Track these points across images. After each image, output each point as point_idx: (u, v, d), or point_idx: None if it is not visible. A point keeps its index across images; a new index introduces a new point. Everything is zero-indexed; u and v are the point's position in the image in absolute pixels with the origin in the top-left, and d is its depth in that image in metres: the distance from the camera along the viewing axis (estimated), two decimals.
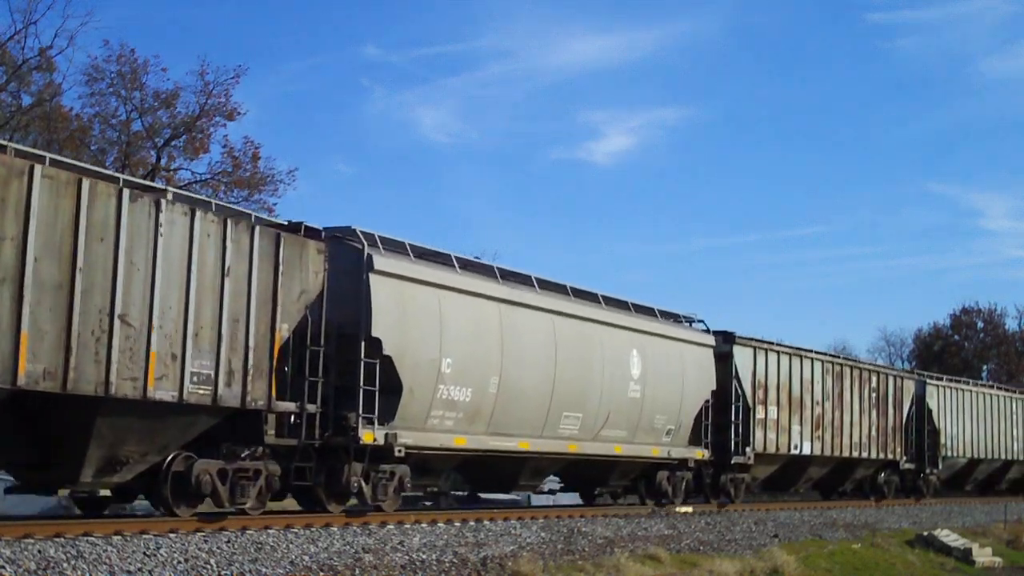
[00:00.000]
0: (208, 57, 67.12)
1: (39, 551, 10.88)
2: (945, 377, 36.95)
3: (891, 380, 32.19)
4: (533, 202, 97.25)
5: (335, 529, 14.83)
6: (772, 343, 26.81)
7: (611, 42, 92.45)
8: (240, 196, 34.82)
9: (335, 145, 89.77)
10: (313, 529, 14.55)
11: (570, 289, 20.84)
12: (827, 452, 28.36)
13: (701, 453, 24.05)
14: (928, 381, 34.60)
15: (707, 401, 24.07)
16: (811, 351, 28.51)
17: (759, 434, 25.48)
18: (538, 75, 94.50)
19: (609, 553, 16.46)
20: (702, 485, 25.12)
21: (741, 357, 25.19)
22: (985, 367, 68.49)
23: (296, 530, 14.28)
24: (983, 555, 24.84)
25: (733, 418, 24.82)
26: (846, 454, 29.30)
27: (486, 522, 17.57)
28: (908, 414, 32.79)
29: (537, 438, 19.32)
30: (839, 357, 31.15)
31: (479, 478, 20.39)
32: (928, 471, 34.07)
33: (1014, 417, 39.33)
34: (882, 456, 31.29)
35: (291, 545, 13.30)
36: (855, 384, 29.99)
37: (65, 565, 10.62)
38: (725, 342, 24.97)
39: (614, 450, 21.38)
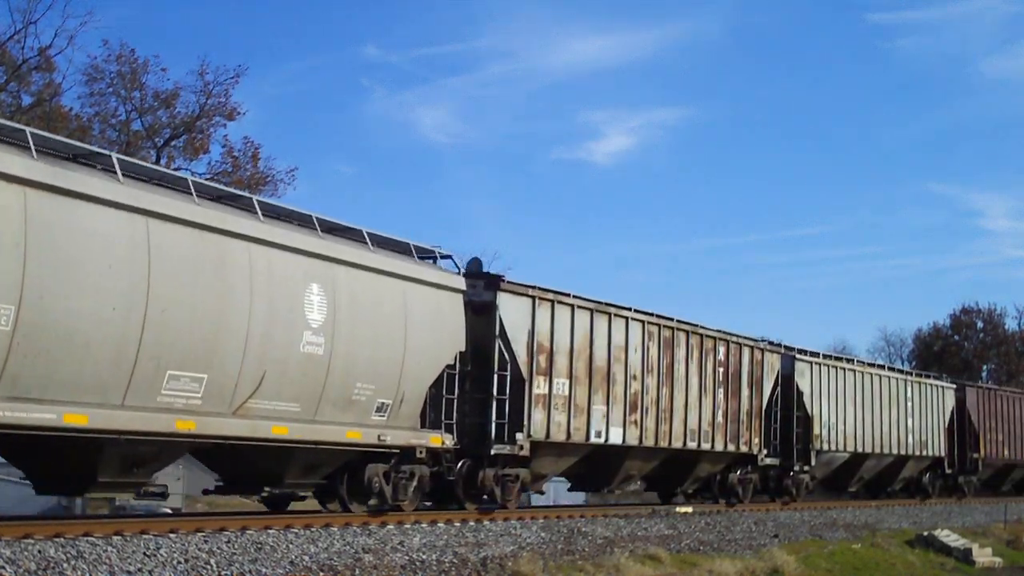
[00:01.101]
0: (208, 57, 67.29)
1: (39, 551, 10.87)
2: (821, 353, 30.05)
3: (746, 352, 25.55)
4: (533, 202, 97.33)
5: (335, 529, 14.82)
6: (564, 294, 20.02)
7: (611, 42, 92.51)
8: None
9: (335, 145, 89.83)
10: (313, 529, 14.54)
11: (194, 185, 13.90)
12: (649, 442, 21.95)
13: (438, 439, 17.20)
14: (798, 356, 28.01)
15: (450, 366, 17.44)
16: (627, 308, 21.57)
17: (538, 416, 18.95)
18: (538, 75, 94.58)
19: (609, 553, 16.47)
20: (447, 484, 18.14)
21: (511, 309, 18.63)
22: (985, 367, 68.50)
23: (296, 530, 14.27)
24: (983, 555, 24.84)
25: (496, 392, 18.33)
26: (678, 445, 22.90)
27: (486, 522, 17.56)
28: (771, 397, 26.67)
29: (109, 409, 12.20)
30: (672, 320, 23.05)
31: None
32: (798, 468, 27.84)
33: (909, 403, 32.85)
34: (732, 448, 24.98)
35: (291, 545, 13.29)
36: (694, 354, 23.56)
37: (65, 565, 10.61)
38: (487, 288, 18.46)
39: (272, 431, 14.26)
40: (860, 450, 30.28)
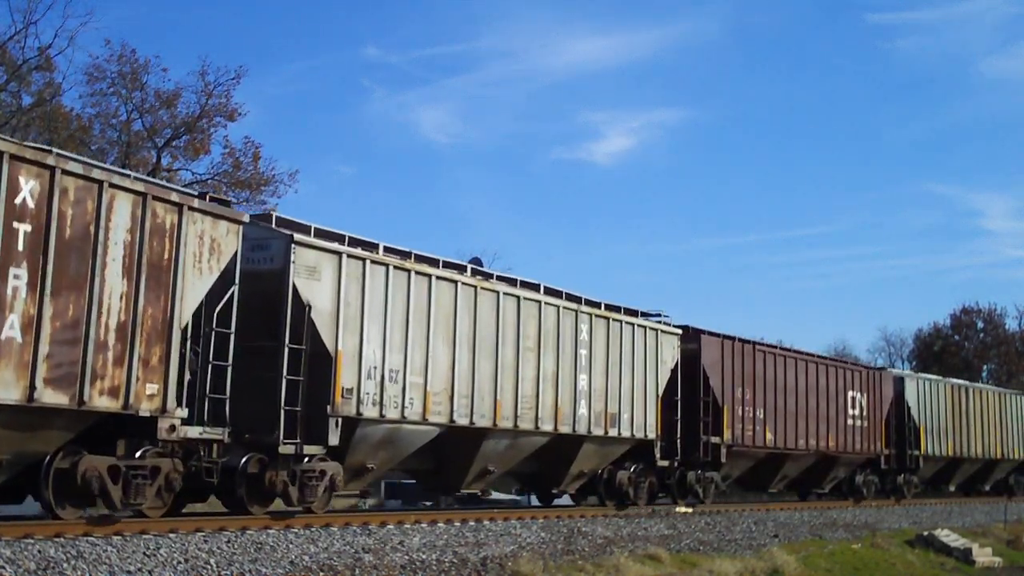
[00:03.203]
0: (209, 57, 67.48)
1: (39, 551, 10.88)
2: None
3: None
4: (533, 202, 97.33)
5: (335, 529, 14.84)
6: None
7: (611, 43, 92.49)
8: (241, 197, 34.88)
9: (335, 145, 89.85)
10: (313, 529, 14.55)
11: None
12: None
13: None
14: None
15: None
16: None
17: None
18: (538, 76, 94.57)
19: (609, 553, 16.47)
20: None
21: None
22: (985, 367, 68.48)
23: (296, 530, 14.28)
24: (983, 555, 24.84)
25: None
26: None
27: (486, 522, 17.57)
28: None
29: None
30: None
31: None
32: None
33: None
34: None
35: (291, 545, 13.30)
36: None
37: (65, 565, 10.62)
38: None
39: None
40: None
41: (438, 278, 17.30)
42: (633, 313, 22.39)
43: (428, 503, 25.00)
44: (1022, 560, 26.44)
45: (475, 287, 18.11)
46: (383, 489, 27.62)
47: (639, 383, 22.19)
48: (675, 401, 23.54)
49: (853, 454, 30.13)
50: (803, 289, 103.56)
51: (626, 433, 21.66)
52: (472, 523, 17.31)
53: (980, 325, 70.14)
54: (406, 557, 13.79)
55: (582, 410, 20.35)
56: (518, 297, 19.05)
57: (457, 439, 17.99)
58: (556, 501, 22.88)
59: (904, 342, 74.62)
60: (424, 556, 14.02)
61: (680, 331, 23.74)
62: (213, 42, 76.65)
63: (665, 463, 23.18)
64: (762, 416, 26.08)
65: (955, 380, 38.47)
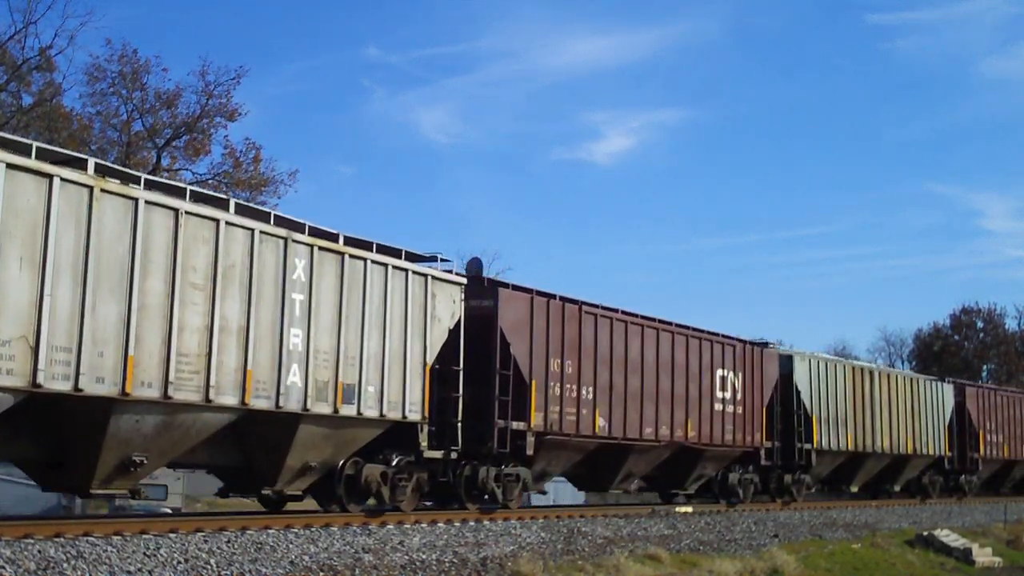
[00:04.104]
0: (209, 57, 67.46)
1: (39, 551, 10.89)
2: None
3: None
4: (533, 203, 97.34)
5: (335, 529, 14.84)
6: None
7: (611, 43, 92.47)
8: (241, 197, 34.87)
9: (336, 146, 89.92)
10: (313, 529, 14.55)
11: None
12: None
13: None
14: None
15: None
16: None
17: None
18: (538, 76, 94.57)
19: (609, 553, 16.47)
20: None
21: None
22: (985, 367, 68.50)
23: (296, 530, 14.28)
24: (983, 555, 24.84)
25: None
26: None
27: (486, 522, 17.57)
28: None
29: None
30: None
31: None
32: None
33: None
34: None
35: (291, 545, 13.30)
36: None
37: (65, 565, 10.63)
38: None
39: None
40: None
41: (11, 167, 11.27)
42: (391, 252, 16.45)
43: (429, 503, 24.96)
44: (1022, 560, 26.44)
45: (92, 188, 12.04)
46: None
47: (395, 347, 16.13)
48: (454, 373, 17.37)
49: (724, 447, 24.14)
50: (803, 289, 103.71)
51: (370, 412, 15.62)
52: (472, 523, 17.30)
53: (980, 325, 70.22)
54: (406, 557, 13.79)
55: (293, 378, 14.54)
56: (176, 211, 12.98)
57: (72, 411, 12.28)
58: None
59: (904, 342, 74.80)
60: (424, 556, 14.02)
61: (464, 280, 17.80)
62: (213, 42, 76.81)
63: (437, 454, 17.12)
64: (591, 397, 20.08)
65: (858, 361, 32.72)
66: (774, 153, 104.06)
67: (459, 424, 17.48)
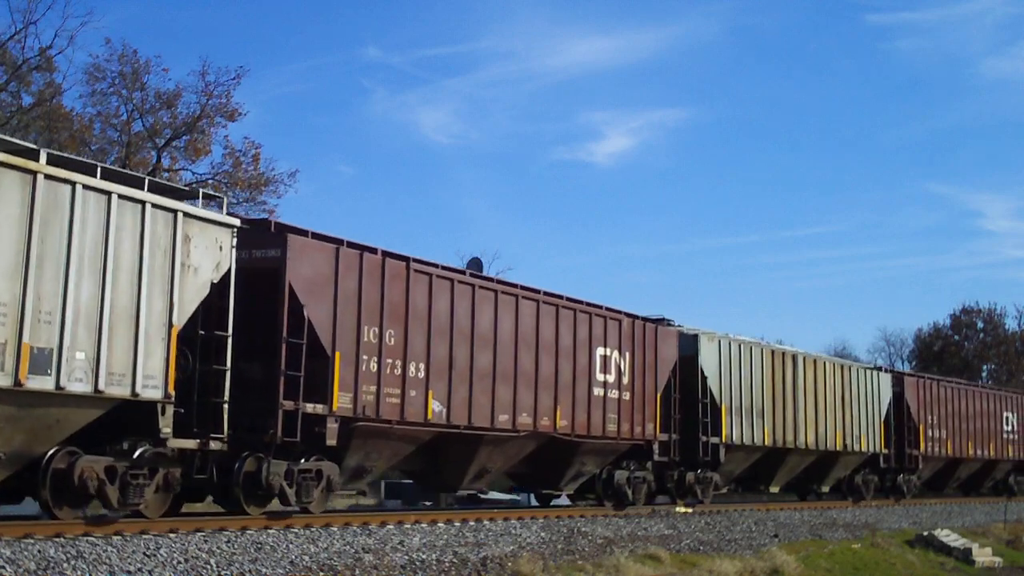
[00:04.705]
0: (209, 57, 67.48)
1: (39, 551, 10.89)
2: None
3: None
4: (534, 203, 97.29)
5: (335, 529, 14.84)
6: None
7: (611, 43, 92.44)
8: (241, 197, 34.90)
9: (336, 146, 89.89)
10: (313, 529, 14.55)
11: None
12: None
13: None
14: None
15: None
16: None
17: None
18: (539, 76, 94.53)
19: (609, 553, 16.47)
20: None
21: None
22: (985, 367, 68.49)
23: (296, 530, 14.28)
24: (983, 555, 24.84)
25: None
26: None
27: (486, 522, 17.57)
28: None
29: None
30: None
31: None
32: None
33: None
34: None
35: (291, 545, 13.31)
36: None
37: (65, 565, 10.63)
38: None
39: None
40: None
41: None
42: (125, 180, 12.84)
43: (428, 503, 25.00)
44: (1022, 560, 26.44)
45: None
46: (383, 489, 27.60)
47: (122, 301, 12.47)
48: (219, 340, 13.88)
49: (606, 440, 20.87)
50: (803, 289, 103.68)
51: (79, 387, 11.92)
52: (472, 523, 17.31)
53: (980, 325, 70.19)
54: (406, 557, 13.79)
55: None
56: None
57: None
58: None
59: (904, 342, 74.78)
60: (424, 556, 14.02)
61: (236, 222, 14.23)
62: (213, 42, 76.76)
63: (190, 444, 13.48)
64: (422, 375, 16.71)
65: (780, 346, 29.10)
66: (774, 153, 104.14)
67: (225, 406, 13.80)
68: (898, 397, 31.61)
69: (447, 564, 13.88)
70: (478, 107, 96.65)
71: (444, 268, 17.73)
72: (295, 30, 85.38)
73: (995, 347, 68.64)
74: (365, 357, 15.78)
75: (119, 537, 12.17)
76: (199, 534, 13.08)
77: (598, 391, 20.54)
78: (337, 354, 15.35)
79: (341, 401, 15.39)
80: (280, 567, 12.24)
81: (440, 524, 16.62)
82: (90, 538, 11.90)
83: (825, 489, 30.03)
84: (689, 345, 23.43)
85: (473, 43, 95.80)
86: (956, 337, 70.08)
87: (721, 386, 23.91)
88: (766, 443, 25.38)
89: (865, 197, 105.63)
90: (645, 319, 22.23)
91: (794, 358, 26.93)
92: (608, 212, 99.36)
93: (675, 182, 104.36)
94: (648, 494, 22.66)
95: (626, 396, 21.26)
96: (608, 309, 21.02)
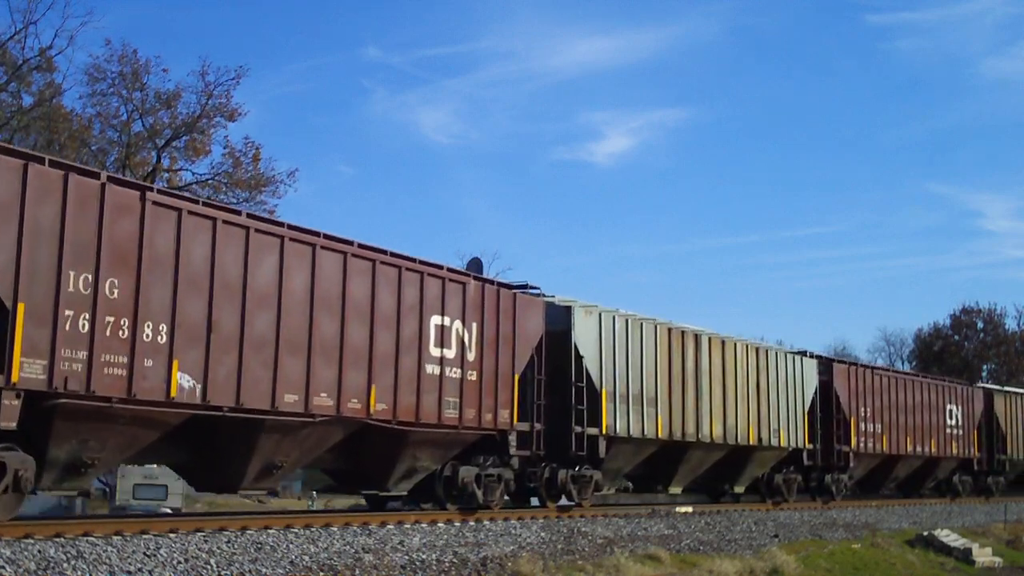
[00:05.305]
0: (209, 57, 67.46)
1: (39, 551, 10.89)
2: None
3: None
4: (534, 203, 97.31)
5: (335, 529, 14.83)
6: None
7: (612, 43, 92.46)
8: (241, 197, 34.88)
9: (336, 146, 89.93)
10: (313, 529, 14.54)
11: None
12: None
13: None
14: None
15: None
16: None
17: None
18: (539, 76, 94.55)
19: (609, 553, 16.48)
20: None
21: None
22: (985, 367, 68.50)
23: (296, 530, 14.27)
24: (983, 555, 24.84)
25: None
26: None
27: (486, 522, 17.55)
28: None
29: None
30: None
31: None
32: None
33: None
34: None
35: (291, 545, 13.31)
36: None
37: (65, 565, 10.63)
38: None
39: None
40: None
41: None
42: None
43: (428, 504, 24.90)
44: (1022, 560, 26.44)
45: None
46: None
47: None
48: None
49: (444, 429, 16.88)
50: (803, 289, 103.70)
51: None
52: (472, 523, 17.29)
53: (980, 325, 70.21)
54: (406, 557, 13.79)
55: None
56: None
57: None
58: None
59: (904, 342, 74.80)
60: (424, 556, 14.02)
61: None
62: (213, 42, 76.78)
63: None
64: (163, 340, 12.84)
65: (680, 323, 22.87)
66: (774, 153, 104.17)
67: None
68: (825, 386, 27.90)
69: (447, 564, 13.88)
70: (478, 107, 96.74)
71: (205, 204, 13.97)
72: (295, 30, 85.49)
73: (995, 347, 68.66)
74: (70, 313, 11.91)
75: (119, 537, 12.16)
76: (199, 534, 13.07)
77: (432, 369, 16.56)
78: (21, 306, 11.51)
79: (27, 370, 11.50)
80: (280, 567, 12.24)
81: (440, 524, 16.61)
82: (90, 538, 11.89)
83: (739, 490, 26.12)
84: (560, 318, 19.56)
85: (473, 43, 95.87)
86: (956, 337, 70.11)
87: (602, 368, 20.00)
88: (660, 436, 21.31)
89: (865, 197, 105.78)
90: (501, 284, 18.51)
91: (697, 338, 22.95)
92: (608, 212, 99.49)
93: (675, 182, 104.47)
94: (506, 495, 18.83)
95: (471, 376, 17.31)
96: (450, 270, 17.27)
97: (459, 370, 17.14)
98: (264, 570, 11.99)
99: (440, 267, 17.10)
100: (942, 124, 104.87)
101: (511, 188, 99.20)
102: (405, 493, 17.58)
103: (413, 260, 16.60)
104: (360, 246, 15.60)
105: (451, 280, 17.17)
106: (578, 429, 19.41)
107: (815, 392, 27.31)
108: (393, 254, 16.26)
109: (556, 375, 19.22)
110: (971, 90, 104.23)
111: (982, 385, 38.29)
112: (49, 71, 33.07)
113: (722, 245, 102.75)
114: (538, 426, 18.78)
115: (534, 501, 20.44)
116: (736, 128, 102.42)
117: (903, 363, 71.22)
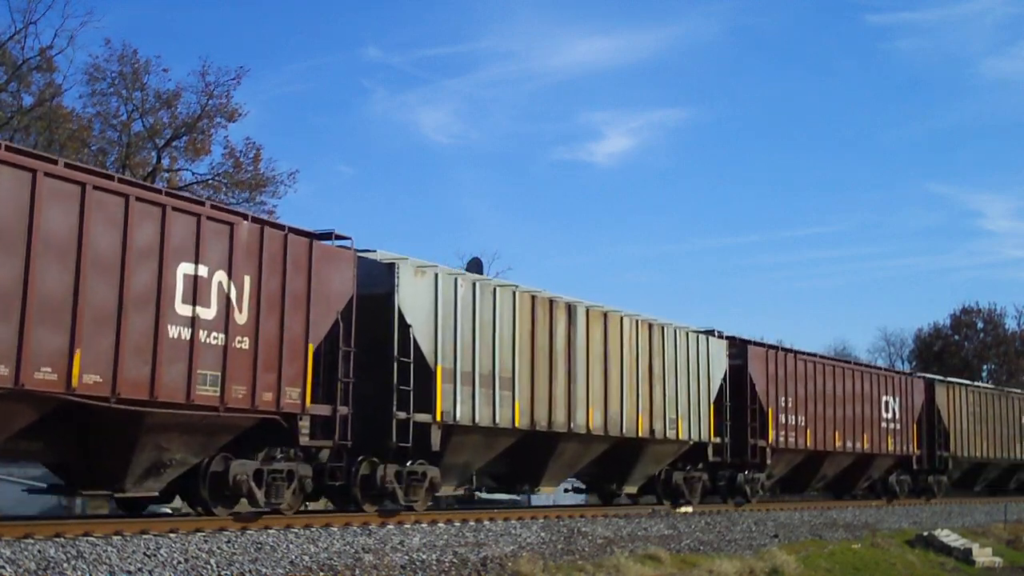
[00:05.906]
0: (209, 57, 67.36)
1: (39, 551, 10.89)
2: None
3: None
4: (534, 203, 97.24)
5: (335, 529, 14.84)
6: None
7: (612, 43, 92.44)
8: (241, 197, 34.88)
9: (336, 146, 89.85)
10: (313, 529, 14.55)
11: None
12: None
13: None
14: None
15: None
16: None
17: None
18: (539, 76, 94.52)
19: (609, 553, 16.47)
20: None
21: None
22: (985, 367, 68.49)
23: (296, 530, 14.28)
24: (983, 555, 24.84)
25: None
26: None
27: (486, 522, 17.56)
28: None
29: None
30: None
31: None
32: None
33: None
34: None
35: (291, 545, 13.31)
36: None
37: (65, 565, 10.63)
38: None
39: None
40: None
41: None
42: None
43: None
44: (1022, 560, 26.44)
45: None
46: None
47: None
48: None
49: (200, 411, 13.30)
50: (803, 289, 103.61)
51: None
52: (472, 523, 17.30)
53: (980, 325, 70.19)
54: (406, 557, 13.79)
55: None
56: None
57: None
58: None
59: (904, 342, 74.75)
60: (424, 556, 14.02)
61: None
62: (213, 42, 76.68)
63: None
64: None
65: (547, 292, 19.36)
66: (774, 153, 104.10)
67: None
68: (738, 371, 24.56)
69: (447, 564, 13.88)
70: (478, 107, 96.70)
71: None
72: (295, 30, 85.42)
73: (995, 347, 68.66)
74: None
75: (119, 537, 12.17)
76: (199, 534, 13.08)
77: (179, 331, 12.94)
78: None
79: None
80: (280, 567, 12.24)
81: (440, 524, 16.61)
82: (90, 538, 11.90)
83: (631, 490, 22.98)
84: (381, 278, 16.14)
85: (473, 43, 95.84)
86: (956, 337, 70.09)
87: (439, 340, 16.67)
88: (518, 425, 18.14)
89: (865, 197, 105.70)
90: (292, 229, 14.65)
91: (571, 308, 19.46)
92: (608, 212, 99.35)
93: (675, 182, 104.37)
94: (309, 494, 15.83)
95: (241, 343, 13.70)
96: (213, 206, 13.87)
97: (222, 335, 13.44)
98: (264, 570, 11.99)
99: (199, 202, 13.80)
100: (942, 124, 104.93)
101: (511, 188, 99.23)
102: (155, 493, 13.93)
103: (156, 190, 13.26)
104: (67, 165, 11.99)
105: (211, 219, 13.37)
106: (401, 415, 16.02)
107: (724, 377, 23.94)
108: (122, 180, 12.84)
109: (374, 348, 15.67)
110: (971, 90, 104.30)
111: (922, 375, 34.03)
112: (49, 71, 33.07)
113: (722, 245, 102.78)
114: (344, 410, 15.22)
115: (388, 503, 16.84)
116: (736, 128, 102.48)
117: (903, 363, 71.23)
